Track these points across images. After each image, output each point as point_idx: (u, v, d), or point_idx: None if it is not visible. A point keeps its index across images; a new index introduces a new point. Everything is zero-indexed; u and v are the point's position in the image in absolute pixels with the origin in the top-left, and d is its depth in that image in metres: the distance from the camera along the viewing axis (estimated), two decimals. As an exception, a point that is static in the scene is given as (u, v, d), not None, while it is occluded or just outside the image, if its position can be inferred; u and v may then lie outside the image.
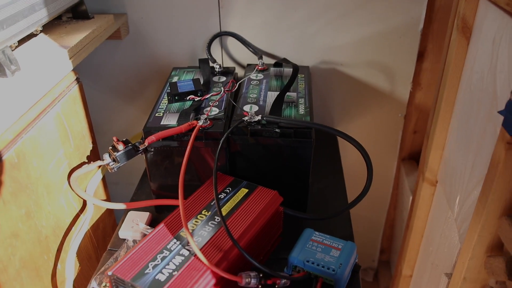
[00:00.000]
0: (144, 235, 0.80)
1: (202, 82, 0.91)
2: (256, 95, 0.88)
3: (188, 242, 0.65)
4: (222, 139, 0.75)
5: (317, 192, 0.94)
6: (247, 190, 0.76)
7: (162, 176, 0.84)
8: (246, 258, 0.65)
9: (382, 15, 1.03)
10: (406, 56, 1.08)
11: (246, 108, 0.84)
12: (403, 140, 1.22)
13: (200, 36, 1.09)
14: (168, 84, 0.92)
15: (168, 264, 0.62)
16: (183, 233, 0.67)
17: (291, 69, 0.95)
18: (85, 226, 0.81)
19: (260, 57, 1.02)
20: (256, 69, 1.00)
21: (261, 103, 0.85)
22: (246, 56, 1.10)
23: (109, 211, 0.98)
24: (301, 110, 0.83)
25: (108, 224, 0.98)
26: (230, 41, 1.10)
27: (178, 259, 0.63)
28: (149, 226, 0.82)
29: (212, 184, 0.76)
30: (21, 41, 0.80)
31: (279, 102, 0.83)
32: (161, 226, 0.69)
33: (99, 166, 0.89)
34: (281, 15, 1.05)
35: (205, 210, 0.72)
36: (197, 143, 0.78)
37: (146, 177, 0.98)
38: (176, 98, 0.86)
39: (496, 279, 0.69)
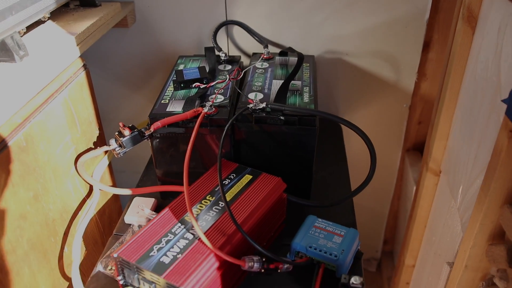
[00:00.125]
0: (149, 221, 0.81)
1: (207, 70, 0.92)
2: (261, 83, 0.89)
3: (192, 226, 0.66)
4: (227, 125, 0.76)
5: (320, 180, 0.94)
6: (251, 177, 0.77)
7: (167, 163, 0.85)
8: (250, 243, 0.66)
9: (387, 4, 1.02)
10: (411, 46, 1.08)
11: (251, 95, 0.84)
12: (407, 130, 1.22)
13: (206, 24, 1.09)
14: (174, 71, 0.93)
15: (172, 247, 0.63)
16: (188, 217, 0.68)
17: (296, 58, 0.96)
18: (91, 211, 0.82)
19: (266, 46, 1.03)
20: (261, 57, 1.00)
21: (266, 91, 0.86)
22: (251, 45, 1.11)
23: (115, 197, 0.99)
24: (306, 98, 0.83)
25: (114, 210, 0.99)
26: (236, 30, 1.10)
27: (182, 243, 0.64)
28: (154, 211, 0.84)
29: (216, 171, 0.77)
30: (29, 28, 0.81)
31: (283, 90, 0.84)
32: (166, 210, 0.70)
33: (106, 152, 0.90)
34: (287, 5, 1.05)
35: (209, 196, 0.73)
36: (202, 130, 0.79)
37: (152, 164, 0.99)
38: (182, 85, 0.86)
39: (497, 267, 0.70)
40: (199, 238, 0.64)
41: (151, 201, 0.85)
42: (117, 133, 0.77)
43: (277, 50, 1.04)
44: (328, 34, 1.08)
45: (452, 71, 0.86)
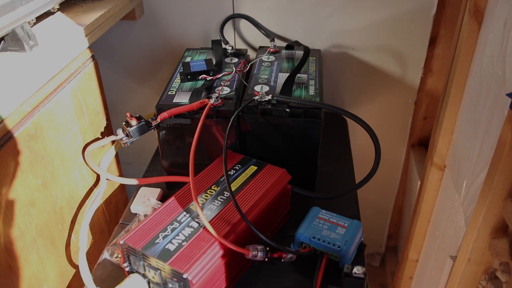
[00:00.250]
0: (155, 210, 0.82)
1: (214, 63, 0.93)
2: (267, 76, 0.89)
3: (197, 215, 0.67)
4: (233, 117, 0.77)
5: (325, 173, 0.95)
6: (256, 168, 0.78)
7: (173, 154, 0.86)
8: (254, 233, 0.66)
9: (394, -1, 1.03)
10: (418, 42, 1.08)
11: (257, 88, 0.85)
12: (413, 126, 1.22)
13: (213, 18, 1.10)
14: (181, 63, 0.93)
15: (177, 235, 0.64)
16: (193, 206, 0.69)
17: (303, 52, 0.96)
18: (98, 200, 0.83)
19: (272, 40, 1.03)
20: (268, 51, 1.01)
21: (272, 83, 0.87)
22: (258, 39, 1.11)
23: (121, 188, 1.01)
24: (311, 91, 0.84)
25: (120, 200, 1.00)
26: (243, 24, 1.11)
27: (187, 231, 0.65)
28: (160, 201, 0.85)
29: (221, 162, 0.78)
30: (39, 19, 0.82)
31: (289, 82, 0.84)
32: (172, 199, 0.71)
33: (113, 142, 0.91)
34: (294, -2, 1.05)
35: (214, 186, 0.74)
36: (208, 121, 0.80)
37: (158, 156, 1.00)
38: (189, 77, 0.87)
39: (500, 260, 0.70)
40: (204, 227, 0.65)
41: (157, 191, 0.87)
42: (124, 123, 0.78)
43: (284, 44, 1.05)
44: (334, 29, 1.08)
45: (458, 66, 0.86)
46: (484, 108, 0.76)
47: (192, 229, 0.66)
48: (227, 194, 0.72)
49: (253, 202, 0.71)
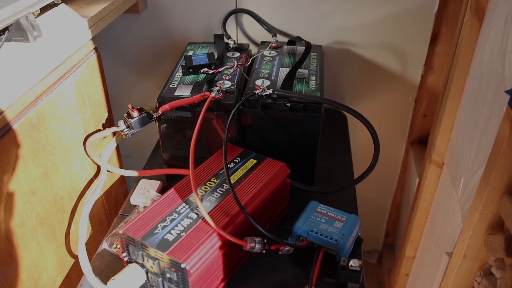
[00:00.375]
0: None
1: (216, 57, 0.93)
2: (268, 71, 0.90)
3: (196, 206, 0.68)
4: (234, 110, 0.77)
5: (324, 169, 0.95)
6: (255, 161, 0.79)
7: (174, 147, 0.87)
8: (252, 225, 0.67)
9: (397, -4, 1.03)
10: (419, 39, 1.08)
11: (258, 82, 0.86)
12: (412, 123, 1.22)
13: (216, 12, 1.10)
14: (183, 57, 0.94)
15: (176, 226, 0.65)
16: (192, 198, 0.70)
17: (304, 48, 0.97)
18: (98, 191, 0.84)
19: (274, 35, 1.04)
20: (269, 46, 1.01)
21: (273, 78, 0.87)
22: (260, 34, 1.12)
23: (121, 180, 1.01)
24: (312, 86, 0.84)
25: (120, 192, 1.01)
26: (245, 18, 1.11)
27: (186, 222, 0.66)
28: (159, 193, 0.85)
29: (221, 155, 0.79)
30: (43, 10, 0.83)
31: (290, 77, 0.85)
32: (171, 191, 0.72)
33: (114, 133, 0.92)
34: (296, -6, 1.06)
35: (214, 178, 0.75)
36: (209, 114, 0.80)
37: (158, 150, 1.01)
38: (190, 70, 0.88)
39: (495, 256, 0.71)
40: (203, 218, 0.66)
41: (157, 183, 0.87)
42: (125, 114, 0.79)
43: (285, 39, 1.06)
44: (336, 25, 1.09)
45: (458, 64, 0.86)
46: (483, 106, 0.76)
47: (191, 220, 0.66)
48: (226, 187, 0.73)
49: (252, 194, 0.71)
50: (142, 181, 0.88)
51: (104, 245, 0.77)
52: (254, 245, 0.66)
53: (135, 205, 0.85)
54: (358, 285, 0.65)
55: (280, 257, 0.73)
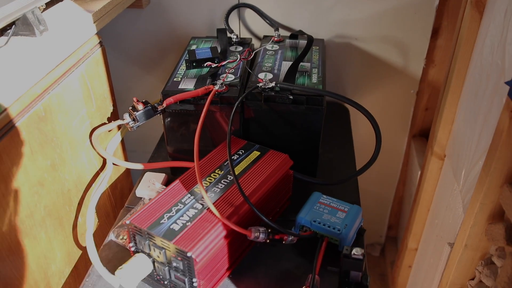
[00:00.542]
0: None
1: (219, 51, 0.94)
2: (271, 64, 0.91)
3: (201, 197, 0.69)
4: (237, 103, 0.78)
5: (327, 162, 0.96)
6: (259, 153, 0.80)
7: (178, 140, 0.88)
8: (256, 215, 0.68)
9: (398, -10, 1.04)
10: (420, 33, 1.09)
11: (261, 75, 0.87)
12: (414, 116, 1.23)
13: (218, 7, 1.11)
14: (186, 51, 0.95)
15: (182, 216, 0.66)
16: (197, 189, 0.71)
17: (306, 41, 0.97)
18: (104, 183, 0.85)
19: (277, 29, 1.05)
20: (272, 40, 1.02)
21: (275, 71, 0.88)
22: (262, 28, 1.13)
23: (126, 173, 1.03)
24: (314, 79, 0.85)
25: (125, 185, 1.02)
26: (248, 13, 1.12)
27: (191, 212, 0.67)
28: (164, 186, 0.86)
29: (225, 147, 0.80)
30: (48, 5, 0.84)
31: (293, 70, 0.86)
32: (177, 182, 0.73)
33: (119, 127, 0.93)
34: (299, -12, 1.07)
35: (218, 170, 0.76)
36: (213, 107, 0.82)
37: (162, 143, 1.02)
38: (194, 64, 0.89)
39: (496, 245, 0.72)
40: (208, 208, 0.67)
41: (161, 176, 0.88)
42: (131, 107, 0.80)
43: (288, 33, 1.06)
44: (337, 19, 1.09)
45: (459, 56, 0.87)
46: (484, 98, 0.77)
47: (196, 211, 0.68)
48: (230, 178, 0.74)
49: (255, 185, 0.73)
50: (147, 174, 0.89)
51: (111, 236, 0.78)
52: (258, 234, 0.67)
53: (141, 198, 0.86)
54: (360, 274, 0.66)
55: (284, 247, 0.74)
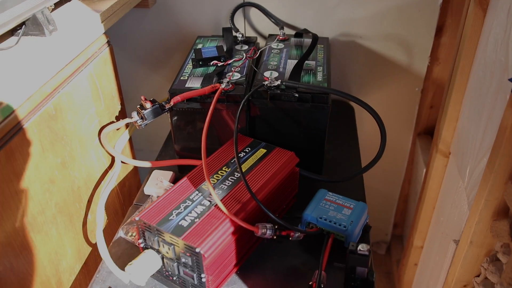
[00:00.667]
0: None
1: (225, 50, 0.95)
2: (276, 63, 0.92)
3: (209, 194, 0.70)
4: (243, 101, 0.79)
5: (332, 159, 0.97)
6: (265, 151, 0.81)
7: (185, 139, 0.89)
8: (263, 212, 0.69)
9: (402, -12, 1.04)
10: (424, 30, 1.09)
11: (267, 74, 0.88)
12: (419, 114, 1.24)
13: (224, 6, 1.12)
14: (193, 50, 0.96)
15: (190, 212, 0.67)
16: (205, 186, 0.72)
17: (311, 40, 0.98)
18: (112, 181, 0.86)
19: (282, 28, 1.06)
20: (277, 39, 1.03)
21: (281, 70, 0.89)
22: (268, 27, 1.14)
23: (134, 171, 1.04)
24: (319, 77, 0.86)
25: (133, 184, 1.04)
26: (253, 12, 1.13)
27: (199, 208, 0.68)
28: (172, 183, 0.87)
29: (232, 145, 0.81)
30: (57, 5, 0.85)
31: (298, 68, 0.87)
32: (185, 179, 0.74)
33: (127, 125, 0.94)
34: (303, -13, 1.07)
35: (225, 167, 0.77)
36: (219, 106, 0.83)
37: (170, 141, 1.03)
38: (200, 63, 0.90)
39: (501, 242, 0.72)
40: (216, 205, 0.68)
41: (169, 174, 0.89)
42: (138, 106, 0.81)
43: (293, 32, 1.07)
44: (342, 17, 1.10)
45: (463, 54, 0.87)
46: (488, 95, 0.77)
47: (204, 207, 0.69)
48: (237, 175, 0.75)
49: (262, 182, 0.74)
50: (155, 172, 0.90)
51: (120, 233, 0.79)
52: (265, 231, 0.68)
53: (149, 195, 0.87)
54: (366, 269, 0.67)
55: (290, 244, 0.75)
